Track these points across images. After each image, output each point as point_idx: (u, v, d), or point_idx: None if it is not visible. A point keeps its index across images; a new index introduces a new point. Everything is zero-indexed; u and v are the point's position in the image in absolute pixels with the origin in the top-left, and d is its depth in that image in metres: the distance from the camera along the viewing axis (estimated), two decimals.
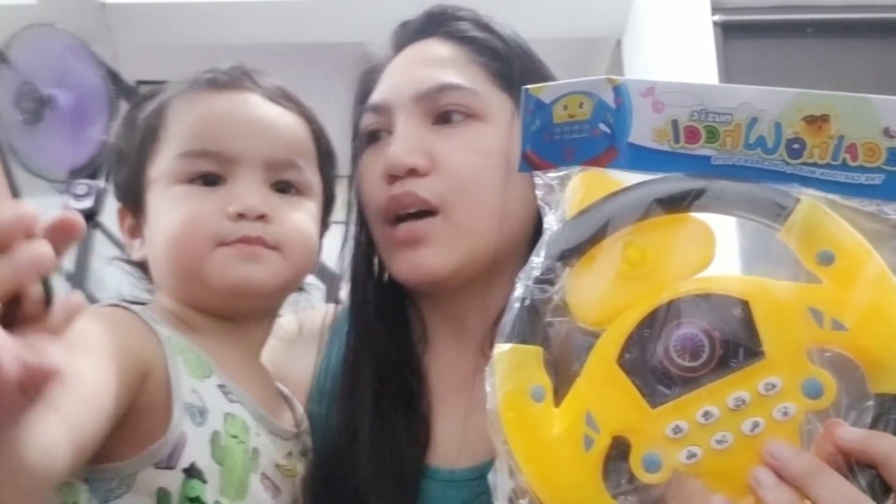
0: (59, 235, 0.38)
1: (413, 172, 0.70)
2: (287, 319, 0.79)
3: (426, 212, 0.70)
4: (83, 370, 0.47)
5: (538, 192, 0.55)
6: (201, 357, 0.62)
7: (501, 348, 0.51)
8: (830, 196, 0.50)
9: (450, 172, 0.70)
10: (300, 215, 0.67)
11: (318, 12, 2.22)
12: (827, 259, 0.49)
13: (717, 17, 2.02)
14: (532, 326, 0.51)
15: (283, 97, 0.70)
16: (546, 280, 0.51)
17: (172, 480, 0.55)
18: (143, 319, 0.59)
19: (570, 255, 0.52)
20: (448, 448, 0.71)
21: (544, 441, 0.49)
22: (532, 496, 0.49)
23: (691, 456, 0.48)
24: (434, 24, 0.77)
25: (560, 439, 0.49)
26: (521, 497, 0.50)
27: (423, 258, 0.69)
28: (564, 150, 0.54)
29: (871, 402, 0.48)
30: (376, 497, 0.68)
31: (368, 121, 0.75)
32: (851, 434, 0.46)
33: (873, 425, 0.47)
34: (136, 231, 0.69)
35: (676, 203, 0.51)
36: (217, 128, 0.66)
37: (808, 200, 0.50)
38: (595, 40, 2.35)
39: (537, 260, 0.52)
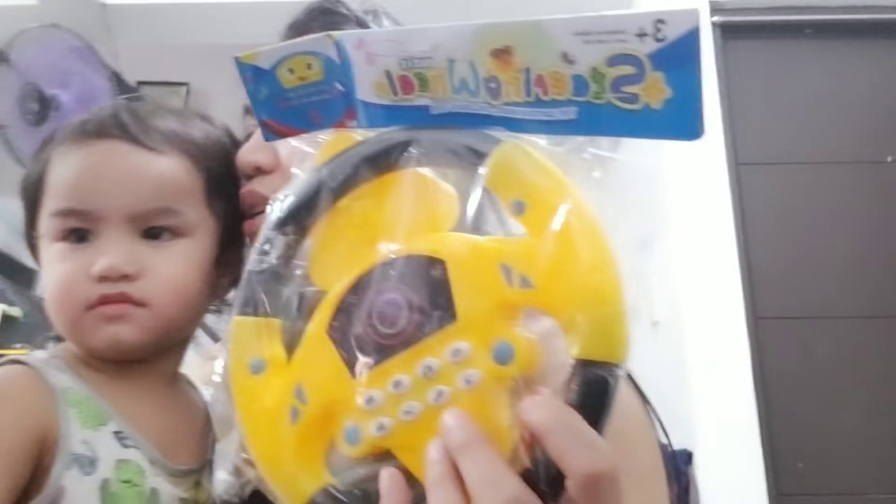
0: None
1: (259, 170, 0.72)
2: None
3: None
4: None
5: (296, 162, 0.54)
6: (100, 406, 0.63)
7: (229, 321, 0.51)
8: (533, 137, 0.44)
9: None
10: (170, 265, 0.67)
11: None
12: (519, 208, 0.43)
13: (716, 18, 2.03)
14: (253, 298, 0.51)
15: (160, 140, 0.69)
16: (264, 251, 0.51)
17: None
18: (39, 374, 0.62)
19: (284, 224, 0.50)
20: None
21: (258, 413, 0.49)
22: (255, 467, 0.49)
23: (381, 428, 0.45)
24: (315, 21, 0.77)
25: (270, 411, 0.48)
26: (249, 469, 0.49)
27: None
28: (309, 114, 0.53)
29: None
30: None
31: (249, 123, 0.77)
32: (528, 403, 0.41)
33: (562, 395, 0.41)
34: None
35: (385, 160, 0.48)
36: (80, 184, 0.66)
37: (507, 144, 0.44)
38: None
39: (262, 232, 0.51)
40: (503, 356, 0.42)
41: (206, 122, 0.76)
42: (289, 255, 0.51)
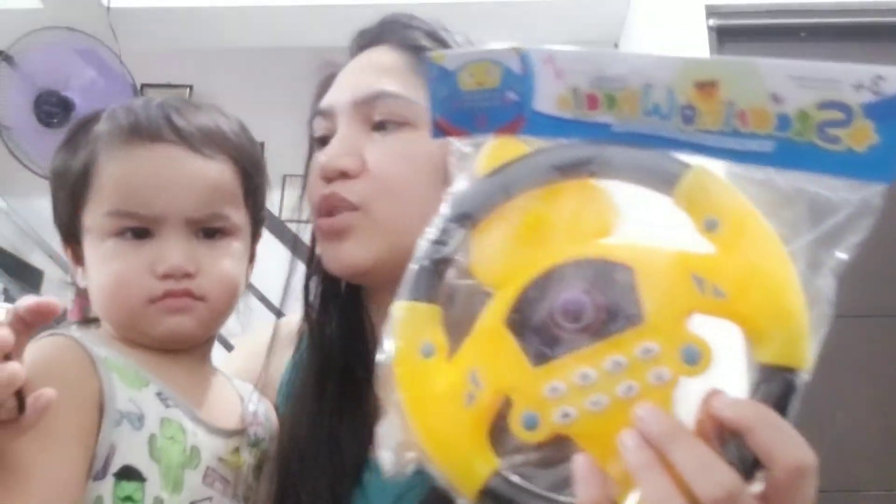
0: (38, 318, 0.49)
1: (344, 175, 0.73)
2: (267, 325, 0.87)
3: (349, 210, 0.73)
4: (51, 467, 0.57)
5: (452, 159, 0.57)
6: (139, 371, 0.68)
7: (397, 305, 0.53)
8: (723, 163, 0.49)
9: (376, 176, 0.73)
10: (225, 262, 0.72)
11: (319, 17, 2.26)
12: (712, 225, 0.48)
13: (711, 22, 2.07)
14: (427, 286, 0.53)
15: (206, 143, 0.73)
16: (441, 241, 0.53)
17: (105, 487, 0.61)
18: (79, 343, 0.65)
19: (466, 217, 0.53)
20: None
21: (430, 395, 0.51)
22: (419, 449, 0.51)
23: (566, 416, 0.48)
24: (386, 32, 0.80)
25: (444, 394, 0.51)
26: (409, 450, 0.52)
27: (343, 251, 0.73)
28: (476, 117, 0.56)
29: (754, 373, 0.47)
30: (323, 489, 0.72)
31: (317, 124, 0.79)
32: (721, 401, 0.46)
33: (752, 395, 0.47)
34: (75, 259, 0.75)
35: (571, 169, 0.52)
36: (139, 189, 0.70)
37: (698, 167, 0.49)
38: (592, 45, 2.32)
39: (436, 221, 0.54)
40: (691, 358, 0.47)
41: (226, 118, 0.79)
42: (460, 248, 0.54)
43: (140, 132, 0.71)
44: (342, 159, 0.73)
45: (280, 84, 2.19)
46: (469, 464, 0.50)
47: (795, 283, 0.47)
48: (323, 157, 0.74)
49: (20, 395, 0.47)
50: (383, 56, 0.78)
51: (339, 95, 0.77)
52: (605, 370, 0.48)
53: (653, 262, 0.49)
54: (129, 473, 0.62)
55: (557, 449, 0.51)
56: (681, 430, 0.45)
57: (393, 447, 0.52)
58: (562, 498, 0.49)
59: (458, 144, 0.56)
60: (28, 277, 2.06)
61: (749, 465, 0.45)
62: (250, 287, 0.83)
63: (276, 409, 0.81)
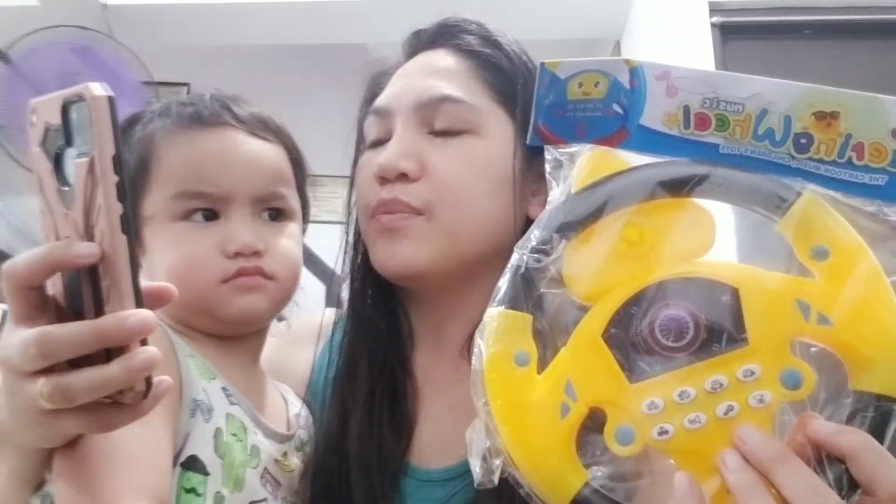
0: (153, 301, 0.48)
1: (403, 177, 0.71)
2: (291, 321, 0.85)
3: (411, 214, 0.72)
4: (152, 452, 0.57)
5: (546, 167, 0.56)
6: (205, 363, 0.67)
7: (492, 311, 0.53)
8: (832, 193, 0.50)
9: (437, 181, 0.71)
10: (288, 242, 0.72)
11: (318, 14, 2.24)
12: (821, 254, 0.49)
13: (715, 19, 2.04)
14: (524, 294, 0.53)
15: (263, 128, 0.73)
16: (541, 251, 0.53)
17: (173, 475, 0.60)
18: (161, 326, 0.64)
19: (568, 228, 0.53)
20: (425, 447, 0.74)
21: (523, 404, 0.51)
22: (506, 457, 0.51)
23: (663, 432, 0.49)
24: (444, 36, 0.79)
25: (538, 404, 0.51)
26: (496, 457, 0.51)
27: (401, 248, 0.71)
28: (576, 126, 0.56)
29: (849, 400, 0.48)
30: (361, 490, 0.70)
31: (371, 125, 0.77)
32: (823, 426, 0.47)
33: (849, 421, 0.47)
34: None
35: (679, 187, 0.52)
36: (207, 169, 0.69)
37: (809, 195, 0.50)
38: (594, 41, 2.35)
39: (536, 231, 0.54)
40: (792, 382, 0.48)
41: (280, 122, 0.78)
42: (557, 258, 0.53)
43: (201, 119, 0.71)
44: (403, 161, 0.71)
45: (279, 82, 2.18)
46: (561, 475, 0.50)
47: None
48: (382, 158, 0.72)
49: (148, 380, 0.46)
50: (443, 60, 0.77)
51: (399, 96, 0.75)
52: (704, 389, 0.49)
53: (758, 285, 0.49)
54: (194, 464, 0.61)
55: (636, 462, 0.51)
56: (786, 453, 0.46)
57: (481, 453, 0.52)
58: None
59: (553, 152, 0.56)
60: None
61: (846, 490, 0.46)
62: None
63: (308, 405, 0.80)
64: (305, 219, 0.79)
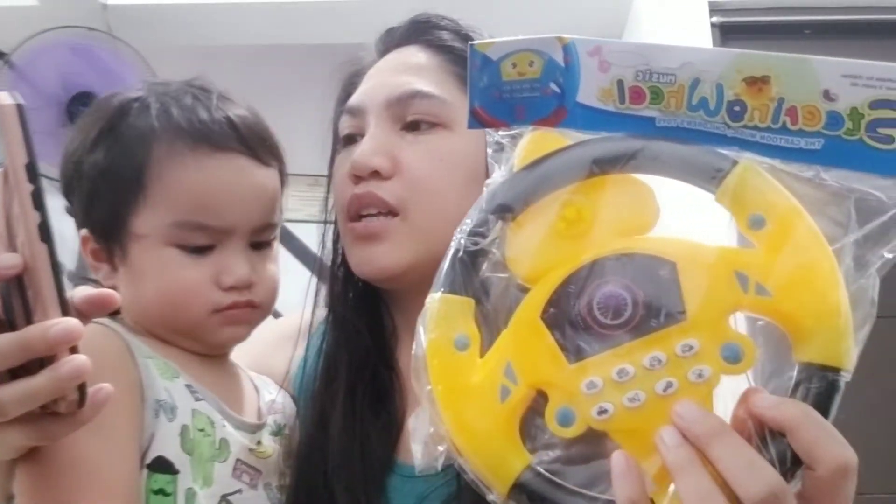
0: (95, 310, 0.48)
1: (376, 174, 0.72)
2: (280, 319, 0.88)
3: (385, 213, 0.72)
4: (114, 461, 0.57)
5: (488, 150, 0.56)
6: (168, 363, 0.67)
7: (432, 297, 0.52)
8: (770, 160, 0.49)
9: (411, 177, 0.71)
10: (274, 269, 0.73)
11: (318, 14, 2.25)
12: (758, 223, 0.48)
13: (715, 19, 2.04)
14: (463, 278, 0.52)
15: (266, 152, 0.72)
16: (478, 233, 0.52)
17: (139, 478, 0.60)
18: (114, 331, 0.65)
19: (505, 209, 0.52)
20: (408, 443, 0.73)
21: (463, 389, 0.50)
22: (449, 443, 0.50)
23: (602, 412, 0.48)
24: (416, 32, 0.79)
25: (478, 388, 0.50)
26: (439, 443, 0.51)
27: (376, 253, 0.72)
28: (515, 108, 0.55)
29: (793, 372, 0.47)
30: (343, 489, 0.71)
31: (345, 123, 0.77)
32: (763, 399, 0.45)
33: (793, 394, 0.46)
34: (100, 256, 0.71)
35: (613, 163, 0.51)
36: (213, 203, 0.68)
37: (745, 164, 0.49)
38: None
39: (474, 213, 0.53)
40: (732, 356, 0.47)
41: (257, 115, 0.76)
42: (496, 240, 0.53)
43: (209, 140, 0.69)
44: (375, 158, 0.71)
45: (278, 82, 2.20)
46: (502, 458, 0.49)
47: (840, 282, 0.46)
48: (355, 155, 0.72)
49: (82, 389, 0.46)
50: (415, 56, 0.77)
51: (371, 94, 0.76)
52: (643, 367, 0.48)
53: (695, 258, 0.48)
54: (162, 465, 0.61)
55: (587, 445, 0.50)
56: (723, 428, 0.44)
57: (424, 439, 0.51)
58: (595, 494, 0.48)
59: (495, 136, 0.55)
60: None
61: (789, 465, 0.44)
62: None
63: (293, 399, 0.80)
64: None
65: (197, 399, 0.66)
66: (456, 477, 0.60)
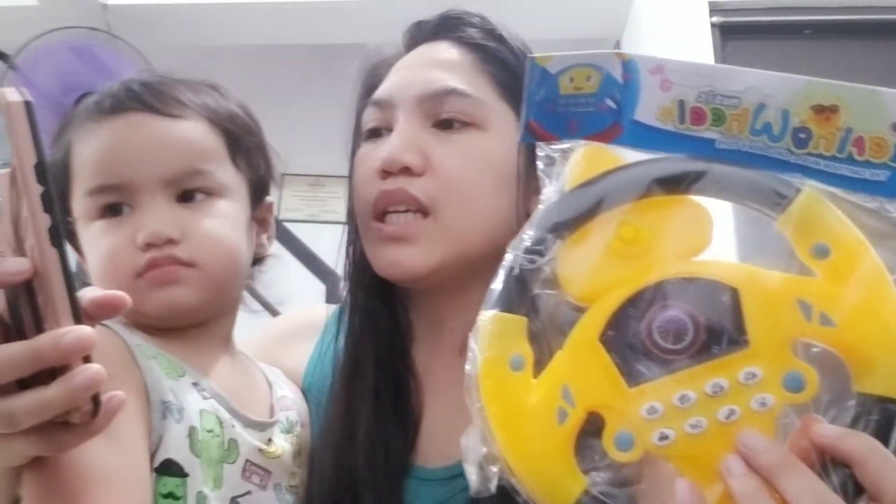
0: (105, 312, 0.46)
1: (407, 171, 0.70)
2: (288, 314, 0.85)
3: (413, 211, 0.70)
4: (127, 469, 0.55)
5: (539, 164, 0.55)
6: (172, 360, 0.64)
7: (486, 315, 0.51)
8: (833, 189, 0.49)
9: (443, 175, 0.70)
10: (213, 222, 0.67)
11: (318, 13, 2.23)
12: (822, 252, 0.48)
13: (715, 19, 2.04)
14: (518, 296, 0.51)
15: (171, 103, 0.69)
16: (536, 251, 0.51)
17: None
18: (115, 331, 0.62)
19: (563, 228, 0.51)
20: (425, 445, 0.73)
21: (519, 410, 0.50)
22: (503, 464, 0.50)
23: (663, 438, 0.47)
24: (446, 28, 0.77)
25: (535, 409, 0.49)
26: (492, 464, 0.50)
27: (404, 255, 0.70)
28: (569, 122, 0.54)
29: (852, 402, 0.47)
30: (370, 491, 0.69)
31: (370, 115, 0.75)
32: (828, 430, 0.45)
33: (853, 424, 0.46)
34: (79, 252, 0.70)
35: (675, 184, 0.51)
36: (109, 159, 0.66)
37: (809, 192, 0.49)
38: (594, 41, 2.35)
39: (529, 231, 0.52)
40: (795, 385, 0.47)
41: (216, 91, 0.75)
42: (551, 259, 0.52)
43: (102, 108, 0.68)
44: (407, 154, 0.69)
45: (278, 82, 2.16)
46: (559, 482, 0.49)
47: None
48: (384, 151, 0.70)
49: (96, 398, 0.44)
50: (446, 52, 0.75)
51: (401, 87, 0.73)
52: (705, 393, 0.47)
53: (758, 285, 0.48)
54: (171, 468, 0.59)
55: (638, 466, 0.50)
56: (791, 459, 0.45)
57: (477, 461, 0.50)
58: None
59: (546, 149, 0.54)
60: None
61: (851, 495, 0.45)
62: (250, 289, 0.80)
63: (306, 395, 0.79)
64: (260, 194, 0.75)
65: (204, 398, 0.64)
66: None
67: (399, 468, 0.70)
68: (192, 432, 0.61)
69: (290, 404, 0.75)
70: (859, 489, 0.45)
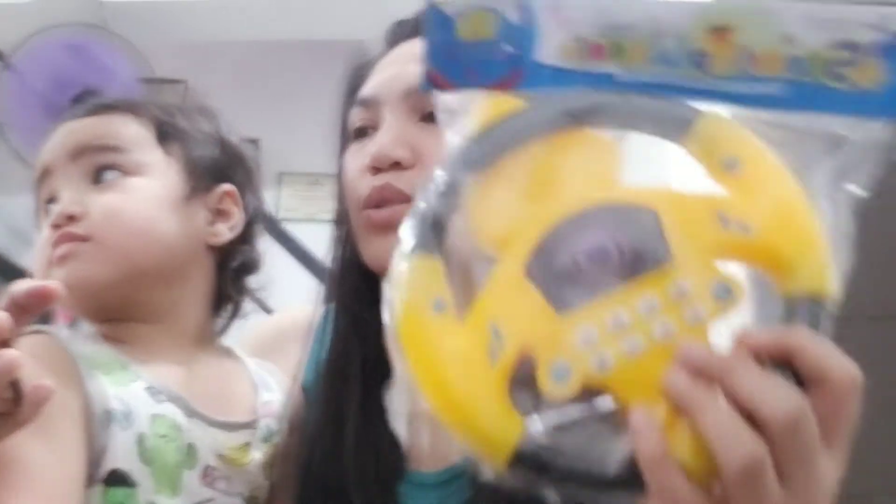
0: (35, 302, 0.47)
1: (397, 166, 0.70)
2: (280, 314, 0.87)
3: (405, 202, 0.70)
4: (56, 466, 0.55)
5: (440, 115, 0.53)
6: (126, 367, 0.64)
7: (401, 258, 0.48)
8: (734, 108, 0.50)
9: (432, 168, 0.70)
10: (113, 196, 0.69)
11: (316, 10, 2.28)
12: (731, 165, 0.48)
13: None
14: (434, 239, 0.49)
15: (102, 109, 0.74)
16: (447, 193, 0.49)
17: (95, 494, 0.58)
18: (58, 341, 0.62)
19: (473, 169, 0.50)
20: (417, 450, 0.70)
21: (447, 354, 0.46)
22: (436, 416, 0.46)
23: (602, 363, 0.45)
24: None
25: (464, 352, 0.46)
26: (424, 419, 0.46)
27: (393, 245, 0.69)
28: (468, 70, 0.53)
29: (778, 310, 0.46)
30: (361, 497, 0.68)
31: (356, 115, 0.76)
32: (763, 333, 0.45)
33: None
34: None
35: (581, 118, 0.50)
36: (40, 158, 0.72)
37: (710, 113, 0.49)
38: None
39: (439, 174, 0.50)
40: (724, 293, 0.46)
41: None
42: (460, 205, 0.50)
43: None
44: (397, 149, 0.70)
45: (277, 79, 2.11)
46: (499, 427, 0.45)
47: (816, 215, 0.47)
48: (374, 146, 0.71)
49: (16, 386, 0.44)
50: None
51: (386, 85, 0.73)
52: (637, 313, 0.46)
53: (676, 204, 0.48)
54: (118, 478, 0.59)
55: (579, 408, 0.47)
56: (737, 359, 0.43)
57: (407, 417, 0.46)
58: (600, 458, 0.45)
59: (445, 100, 0.53)
60: (16, 278, 1.90)
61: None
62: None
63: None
64: (211, 176, 0.76)
65: (159, 401, 0.64)
66: (469, 484, 0.58)
67: (391, 473, 0.69)
68: (141, 439, 0.61)
69: (274, 410, 0.73)
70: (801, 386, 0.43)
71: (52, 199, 0.69)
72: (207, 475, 0.64)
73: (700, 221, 0.47)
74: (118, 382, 0.62)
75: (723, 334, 0.46)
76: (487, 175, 0.50)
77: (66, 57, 2.06)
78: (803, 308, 0.45)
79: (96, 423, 0.59)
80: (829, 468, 0.43)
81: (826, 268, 0.46)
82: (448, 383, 0.46)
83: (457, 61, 0.53)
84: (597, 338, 0.46)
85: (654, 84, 0.51)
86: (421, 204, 0.50)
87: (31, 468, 0.53)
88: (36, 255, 0.67)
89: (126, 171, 0.70)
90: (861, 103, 0.48)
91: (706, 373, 0.43)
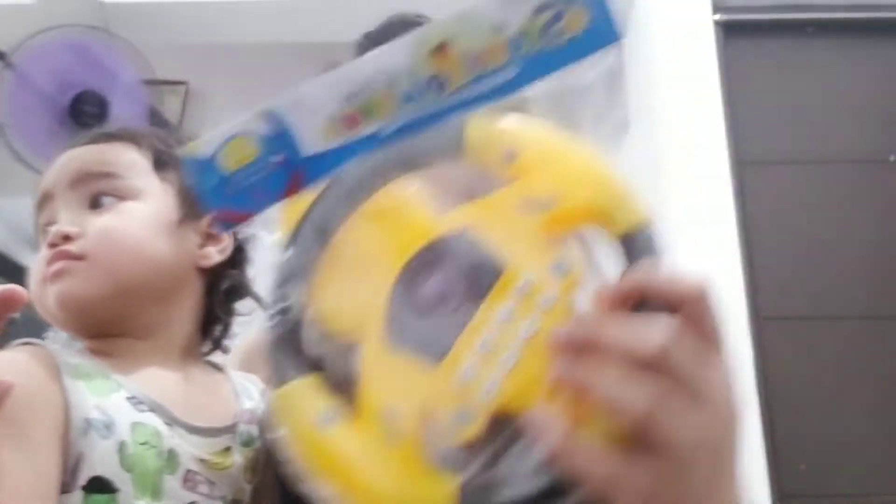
0: (7, 304, 0.48)
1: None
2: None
3: None
4: (24, 469, 0.55)
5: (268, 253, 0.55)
6: (110, 377, 0.66)
7: (273, 395, 0.49)
8: (486, 107, 0.52)
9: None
10: (109, 218, 0.72)
11: (318, 11, 2.26)
12: (511, 155, 0.50)
13: (718, 17, 2.03)
14: (295, 360, 0.49)
15: (102, 137, 0.77)
16: (283, 310, 0.50)
17: (75, 501, 0.59)
18: (44, 351, 0.64)
19: (299, 279, 0.51)
20: None
21: (351, 459, 0.46)
22: None
23: (489, 391, 0.46)
24: (394, 34, 0.76)
25: (365, 448, 0.46)
26: None
27: None
28: (252, 194, 0.54)
29: (618, 256, 0.48)
30: None
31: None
32: (610, 286, 0.46)
33: (630, 266, 0.47)
34: None
35: (367, 186, 0.52)
36: (41, 184, 0.75)
37: (468, 121, 0.52)
38: None
39: (272, 293, 0.51)
40: (563, 269, 0.48)
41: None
42: (305, 311, 0.51)
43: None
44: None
45: (278, 80, 2.06)
46: (429, 493, 0.45)
47: (600, 157, 0.50)
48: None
49: None
50: None
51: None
52: (499, 325, 0.47)
53: (480, 211, 0.50)
54: (99, 485, 0.60)
55: (494, 444, 0.47)
56: (597, 319, 0.45)
57: None
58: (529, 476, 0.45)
59: (246, 231, 0.54)
60: (19, 278, 1.81)
61: None
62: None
63: None
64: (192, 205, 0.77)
65: (140, 411, 0.65)
66: None
67: None
68: (122, 447, 0.62)
69: (253, 417, 0.75)
70: None
71: (50, 223, 0.72)
72: (189, 479, 0.65)
73: (509, 217, 0.49)
74: (100, 392, 0.63)
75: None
76: (313, 277, 0.51)
77: (67, 58, 2.08)
78: (636, 242, 0.47)
79: (74, 432, 0.60)
80: (720, 370, 0.45)
81: (632, 196, 0.49)
82: (365, 486, 0.46)
83: (237, 192, 0.54)
84: (477, 368, 0.46)
85: (413, 122, 0.53)
86: (269, 335, 0.50)
87: (2, 473, 0.54)
88: (31, 274, 0.70)
89: (122, 196, 0.73)
90: (583, 46, 0.51)
91: (579, 345, 0.44)
